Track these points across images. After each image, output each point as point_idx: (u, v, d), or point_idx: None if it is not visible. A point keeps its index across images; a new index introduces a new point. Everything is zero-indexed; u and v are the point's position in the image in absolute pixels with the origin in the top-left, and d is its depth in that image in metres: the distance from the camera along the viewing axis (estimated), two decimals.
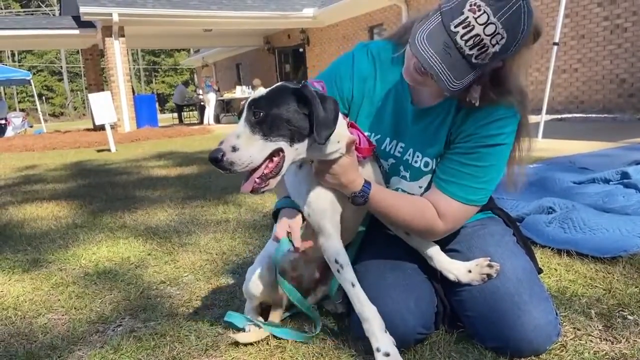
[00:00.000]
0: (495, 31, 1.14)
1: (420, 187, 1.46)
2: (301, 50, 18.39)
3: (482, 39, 1.15)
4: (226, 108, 19.04)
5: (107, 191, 4.62)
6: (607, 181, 3.26)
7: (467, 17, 1.14)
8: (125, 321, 1.78)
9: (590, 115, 8.94)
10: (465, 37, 1.15)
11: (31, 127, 20.85)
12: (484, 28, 1.14)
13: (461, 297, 1.41)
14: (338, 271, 1.36)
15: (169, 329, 1.66)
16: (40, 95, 39.92)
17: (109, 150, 9.07)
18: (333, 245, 1.36)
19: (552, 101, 9.47)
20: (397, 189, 1.48)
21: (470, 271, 1.38)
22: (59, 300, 2.02)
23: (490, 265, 1.36)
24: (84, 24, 14.21)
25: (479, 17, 1.14)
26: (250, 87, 17.76)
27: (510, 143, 1.37)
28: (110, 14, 12.97)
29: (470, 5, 1.14)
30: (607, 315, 1.54)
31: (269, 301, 1.65)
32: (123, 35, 13.72)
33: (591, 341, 1.40)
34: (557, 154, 4.67)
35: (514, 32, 1.15)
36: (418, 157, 1.45)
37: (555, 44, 5.77)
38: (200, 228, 3.03)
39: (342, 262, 1.35)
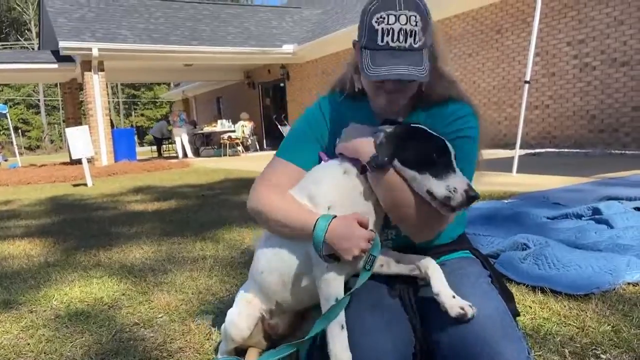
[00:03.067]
0: (407, 17, 1.31)
1: None
2: (282, 85, 18.63)
3: (405, 29, 1.30)
4: (206, 142, 19.05)
5: (82, 228, 4.54)
6: (579, 217, 3.33)
7: (382, 28, 1.30)
8: None
9: (562, 150, 9.17)
10: (395, 38, 1.31)
11: (6, 160, 20.52)
12: (398, 22, 1.30)
13: (437, 336, 1.41)
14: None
15: None
16: (16, 129, 39.45)
17: (85, 184, 8.95)
18: (338, 281, 1.35)
19: (525, 136, 9.71)
20: None
21: (454, 297, 1.37)
22: (29, 344, 1.96)
23: (470, 306, 1.36)
24: (63, 59, 14.22)
25: (388, 21, 1.30)
26: (229, 120, 17.86)
27: (476, 138, 1.46)
28: (90, 49, 13.02)
29: (377, 19, 1.31)
30: (581, 354, 1.55)
31: (247, 344, 1.62)
32: (102, 70, 13.74)
33: None
34: (531, 189, 4.76)
35: (418, 7, 1.32)
36: None
37: (526, 82, 5.95)
38: (176, 266, 2.99)
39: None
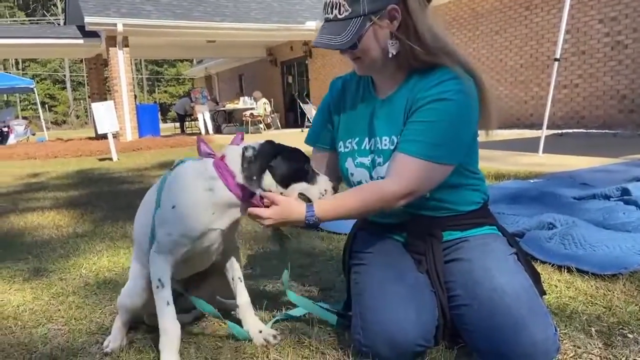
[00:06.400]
0: None
1: None
2: (306, 62, 18.51)
3: (332, 1, 1.44)
4: (228, 119, 19.11)
5: (109, 200, 4.63)
6: (607, 197, 3.27)
7: (325, 2, 1.47)
8: None
9: (591, 130, 8.97)
10: (326, 11, 1.47)
11: (34, 135, 20.93)
12: None
13: (461, 311, 1.41)
14: (157, 287, 1.47)
15: None
16: (43, 104, 40.12)
17: (110, 159, 9.10)
18: (162, 263, 1.49)
19: (553, 116, 9.50)
20: (377, 179, 1.55)
21: (260, 331, 1.60)
22: (59, 310, 2.02)
23: (274, 336, 1.58)
24: (89, 34, 14.30)
25: None
26: (251, 98, 17.85)
27: (459, 100, 1.42)
28: (115, 25, 13.08)
29: None
30: (607, 333, 1.54)
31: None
32: (127, 46, 13.81)
33: (591, 359, 1.40)
34: (557, 169, 4.68)
35: None
36: (386, 140, 1.54)
37: (556, 59, 5.81)
38: None
39: (165, 281, 1.48)
